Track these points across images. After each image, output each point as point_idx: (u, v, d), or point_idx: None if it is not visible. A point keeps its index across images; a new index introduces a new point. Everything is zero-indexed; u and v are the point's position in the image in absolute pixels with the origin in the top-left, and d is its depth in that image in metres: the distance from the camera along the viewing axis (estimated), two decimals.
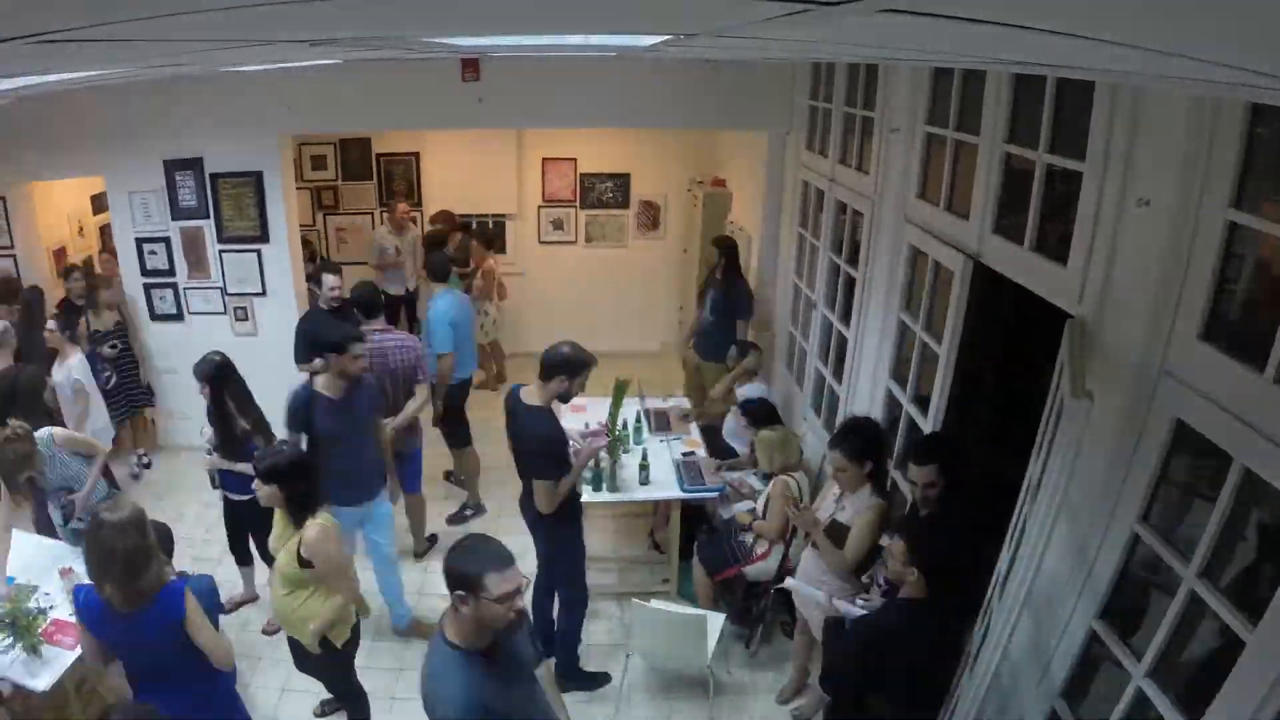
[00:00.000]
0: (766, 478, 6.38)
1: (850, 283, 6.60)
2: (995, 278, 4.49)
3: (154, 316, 8.70)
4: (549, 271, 10.77)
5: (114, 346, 8.09)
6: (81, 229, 10.39)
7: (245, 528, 6.37)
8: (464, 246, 10.30)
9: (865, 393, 6.22)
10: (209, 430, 6.06)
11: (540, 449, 5.34)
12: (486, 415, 10.20)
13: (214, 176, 8.26)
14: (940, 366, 5.01)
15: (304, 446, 5.48)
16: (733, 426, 7.40)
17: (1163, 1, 0.99)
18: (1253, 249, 2.88)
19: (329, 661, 4.95)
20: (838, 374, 6.88)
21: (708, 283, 8.71)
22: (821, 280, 7.26)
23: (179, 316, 8.73)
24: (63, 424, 6.59)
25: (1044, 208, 4.06)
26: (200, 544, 7.47)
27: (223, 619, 5.22)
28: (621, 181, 11.62)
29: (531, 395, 5.35)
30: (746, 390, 7.48)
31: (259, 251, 8.47)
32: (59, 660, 4.82)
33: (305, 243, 10.14)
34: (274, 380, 7.62)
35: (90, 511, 5.08)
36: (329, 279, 7.48)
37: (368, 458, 6.10)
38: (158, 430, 9.24)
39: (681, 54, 5.30)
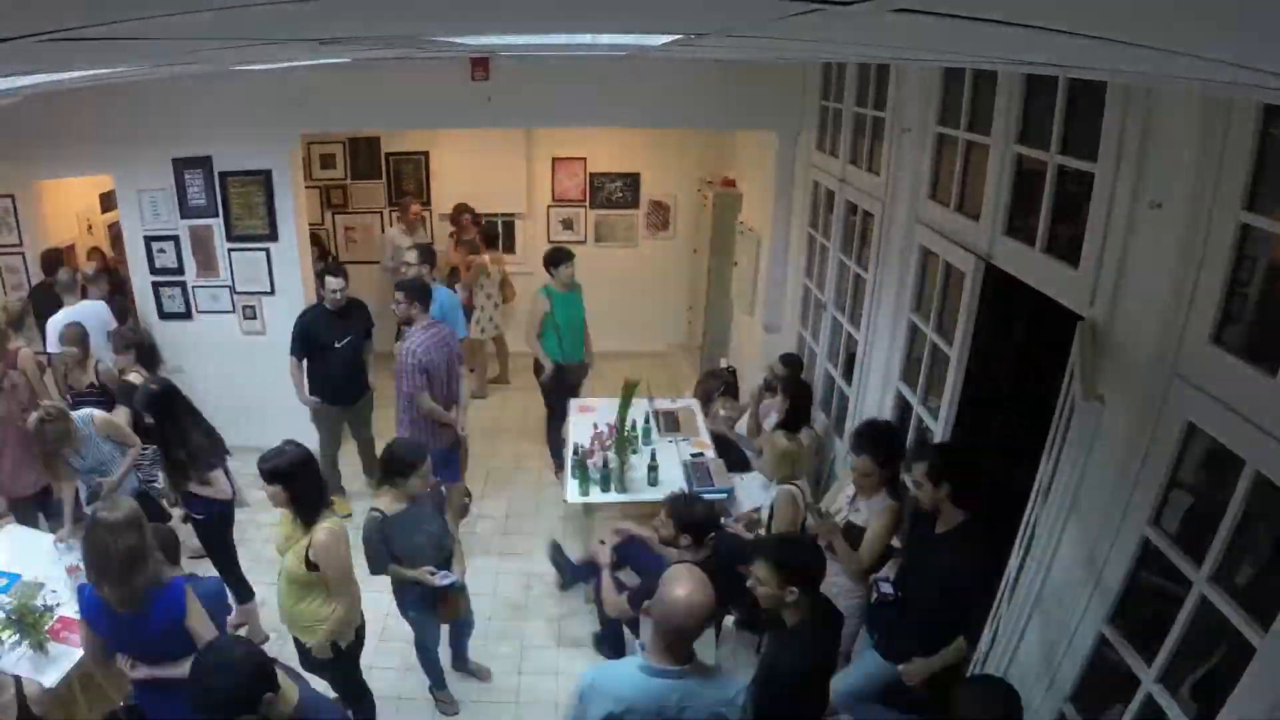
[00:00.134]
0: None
1: (860, 284, 6.58)
2: (1007, 280, 4.47)
3: (162, 315, 8.71)
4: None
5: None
6: (90, 227, 10.41)
7: (222, 544, 6.26)
8: (475, 240, 10.40)
9: (875, 395, 6.20)
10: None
11: None
12: (495, 415, 10.27)
13: (223, 175, 8.27)
14: (951, 368, 5.00)
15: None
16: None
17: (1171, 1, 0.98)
18: (1265, 251, 2.86)
19: (334, 663, 4.95)
20: (847, 376, 6.86)
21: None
22: (831, 281, 7.25)
23: (187, 315, 8.74)
24: None
25: (1055, 209, 4.04)
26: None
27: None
28: (631, 181, 11.61)
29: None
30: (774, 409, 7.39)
31: (267, 250, 8.47)
32: (65, 657, 4.83)
33: (315, 240, 10.15)
34: (281, 379, 7.66)
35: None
36: (332, 280, 7.50)
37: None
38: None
39: (692, 54, 5.29)
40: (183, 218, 8.44)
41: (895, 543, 5.24)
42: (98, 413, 6.00)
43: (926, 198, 5.48)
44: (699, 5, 1.76)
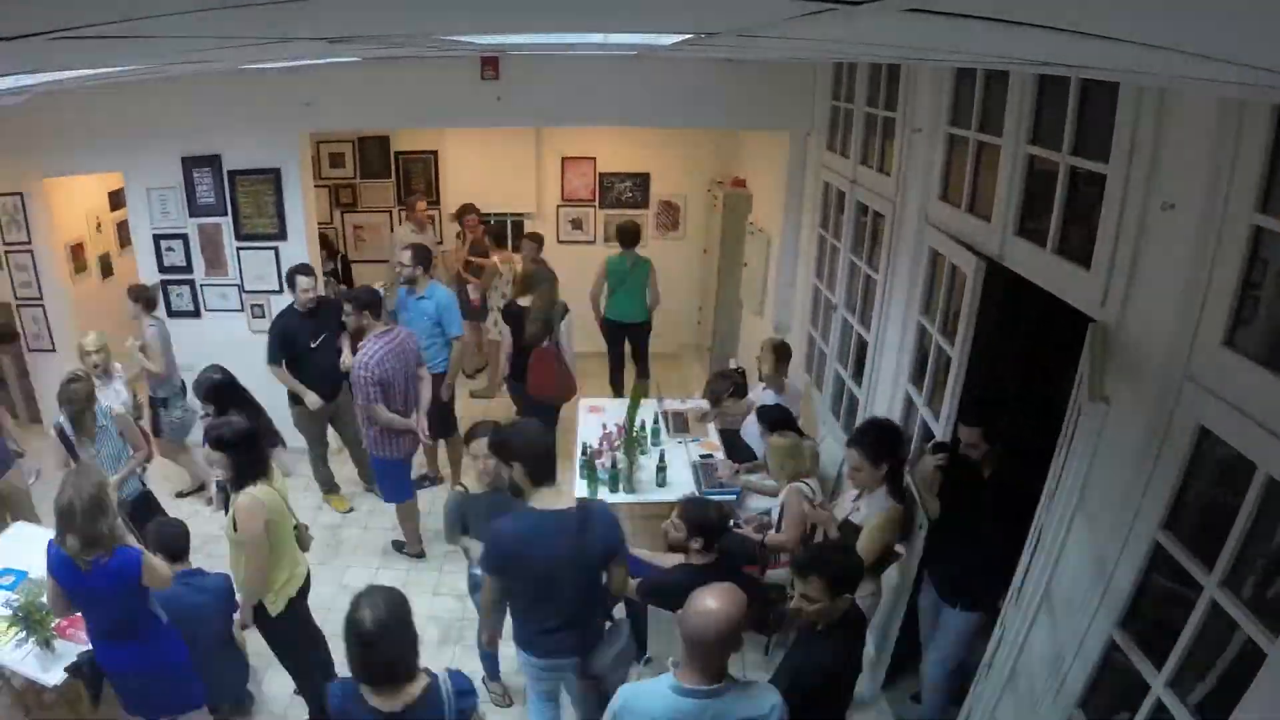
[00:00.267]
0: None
1: (871, 285, 6.57)
2: (1017, 281, 4.45)
3: (170, 313, 8.70)
4: (567, 271, 10.68)
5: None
6: (99, 225, 10.44)
7: None
8: (482, 240, 10.43)
9: (885, 396, 6.19)
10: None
11: None
12: (505, 415, 10.26)
13: (232, 174, 8.29)
14: (952, 370, 4.99)
15: None
16: (753, 428, 7.38)
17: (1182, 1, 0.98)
18: (1278, 253, 2.84)
19: (266, 629, 5.21)
20: (857, 377, 6.85)
21: None
22: (842, 282, 7.23)
23: (195, 313, 8.76)
24: None
25: (1067, 210, 4.01)
26: (218, 540, 7.47)
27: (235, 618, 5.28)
28: (641, 181, 11.61)
29: None
30: (764, 396, 7.43)
31: (276, 249, 8.49)
32: (72, 654, 4.85)
33: (324, 240, 10.17)
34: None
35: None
36: (303, 280, 7.53)
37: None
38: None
39: (702, 53, 5.28)
40: (191, 216, 8.46)
41: (899, 549, 5.27)
42: (117, 406, 6.12)
43: (937, 198, 5.46)
44: (710, 4, 1.75)
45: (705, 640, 3.30)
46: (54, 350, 9.14)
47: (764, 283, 9.32)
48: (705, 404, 8.20)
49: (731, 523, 6.64)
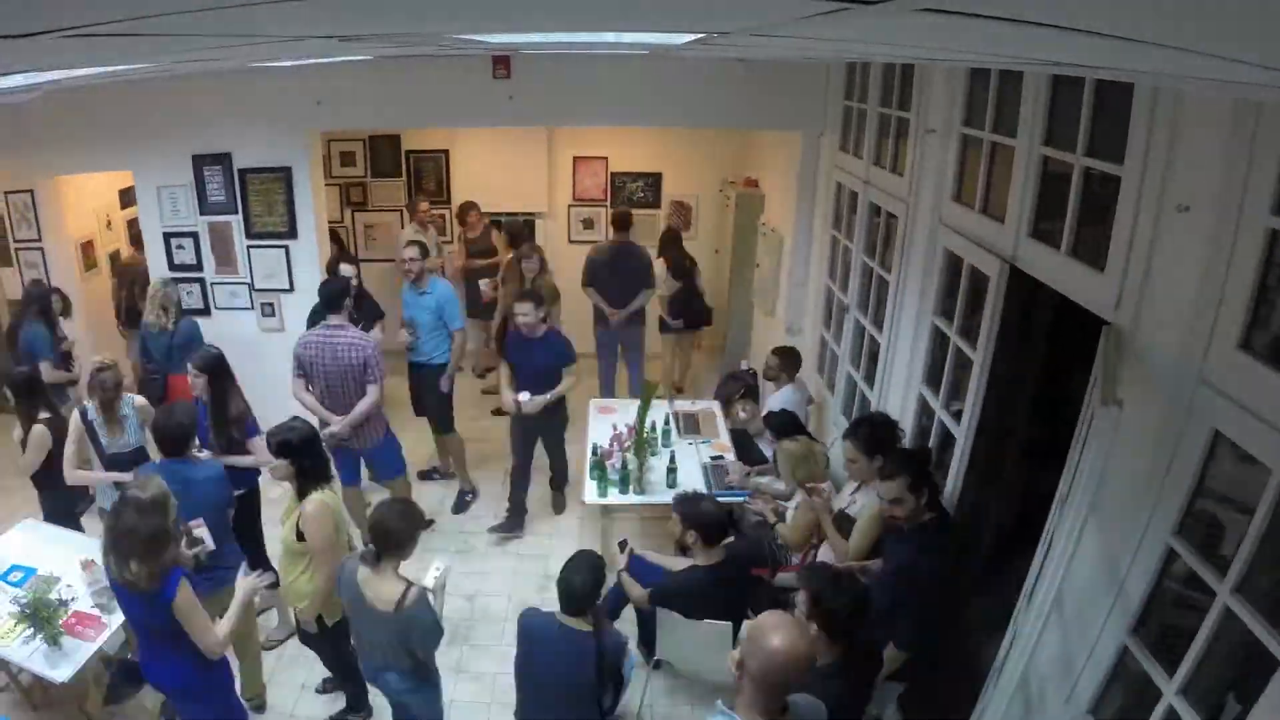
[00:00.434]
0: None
1: (883, 286, 6.54)
2: (1030, 282, 4.43)
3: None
4: (578, 271, 10.71)
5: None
6: (110, 223, 10.46)
7: (250, 523, 6.42)
8: (487, 238, 10.52)
9: (898, 398, 6.16)
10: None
11: None
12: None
13: (243, 172, 8.29)
14: (975, 373, 4.96)
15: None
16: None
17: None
18: None
19: (320, 637, 5.17)
20: (870, 379, 6.82)
21: None
22: (854, 283, 7.20)
23: (205, 311, 8.75)
24: None
25: (1081, 212, 3.99)
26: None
27: None
28: (653, 181, 11.59)
29: None
30: (775, 399, 7.42)
31: (287, 248, 8.49)
32: (79, 652, 4.88)
33: (335, 238, 10.17)
34: None
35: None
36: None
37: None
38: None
39: (715, 53, 5.27)
40: (202, 214, 8.46)
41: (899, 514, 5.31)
42: (139, 398, 6.18)
43: (951, 199, 5.43)
44: (724, 4, 1.74)
45: (774, 678, 3.09)
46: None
47: (776, 283, 9.30)
48: (715, 405, 8.19)
49: (736, 530, 6.66)
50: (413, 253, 7.87)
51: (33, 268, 8.94)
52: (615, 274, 9.45)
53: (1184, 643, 3.11)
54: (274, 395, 7.07)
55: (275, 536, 6.61)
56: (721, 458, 7.15)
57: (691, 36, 2.83)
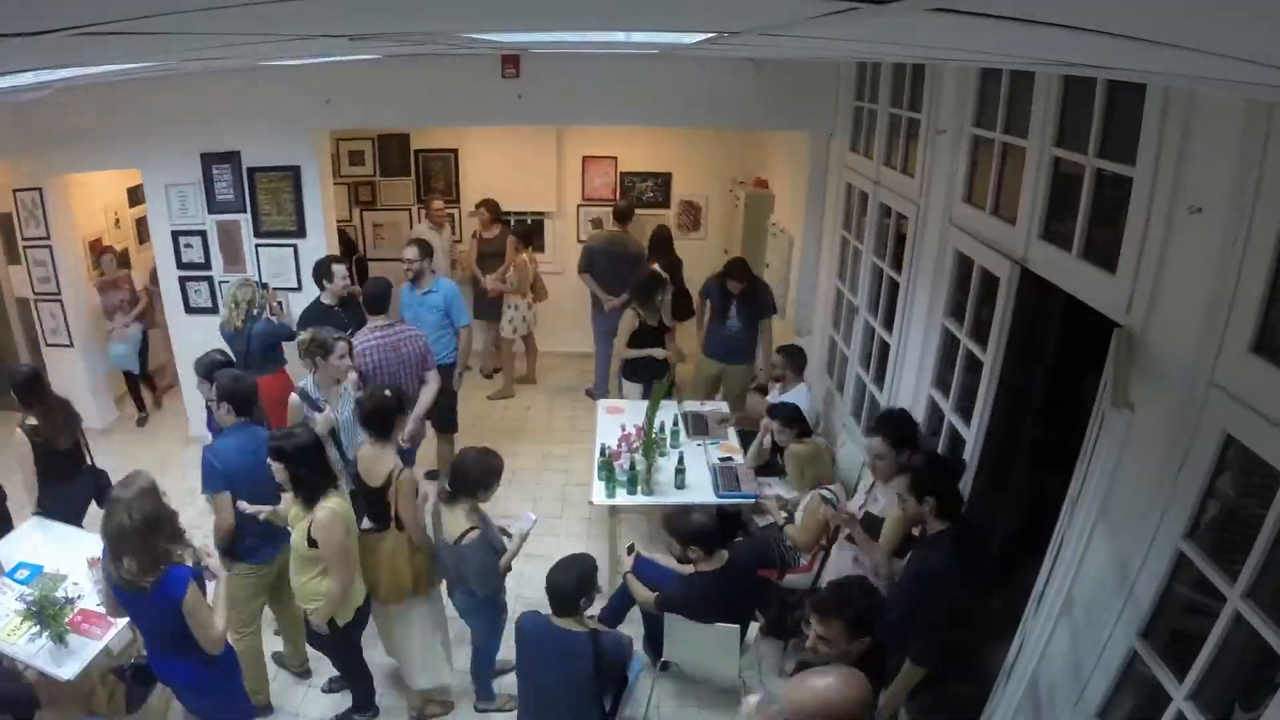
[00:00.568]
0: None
1: (893, 287, 6.53)
2: (1040, 284, 4.42)
3: (188, 309, 8.77)
4: None
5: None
6: (118, 221, 10.44)
7: None
8: (500, 240, 10.41)
9: (907, 400, 6.14)
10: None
11: None
12: (521, 415, 10.27)
13: (251, 170, 8.32)
14: (985, 375, 4.94)
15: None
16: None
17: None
18: None
19: (331, 639, 5.18)
20: (879, 380, 6.81)
21: (712, 292, 8.61)
22: (864, 284, 7.19)
23: (213, 310, 8.74)
24: None
25: (1093, 213, 3.97)
26: None
27: None
28: (662, 181, 11.56)
29: None
30: (789, 395, 7.39)
31: (295, 246, 8.51)
32: (85, 650, 4.89)
33: (346, 237, 10.17)
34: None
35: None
36: (338, 268, 7.59)
37: None
38: (188, 424, 9.24)
39: (725, 53, 5.26)
40: (210, 213, 8.50)
41: (915, 530, 5.24)
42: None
43: (961, 200, 5.42)
44: (734, 4, 1.74)
45: None
46: (71, 345, 9.21)
47: (786, 284, 9.29)
48: (724, 407, 8.18)
49: (744, 531, 6.66)
50: (412, 253, 7.85)
51: (41, 266, 8.94)
52: (610, 261, 9.57)
53: (1194, 648, 3.09)
54: None
55: None
56: (730, 459, 7.12)
57: (702, 36, 2.83)
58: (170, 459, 8.67)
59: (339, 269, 7.53)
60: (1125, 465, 3.60)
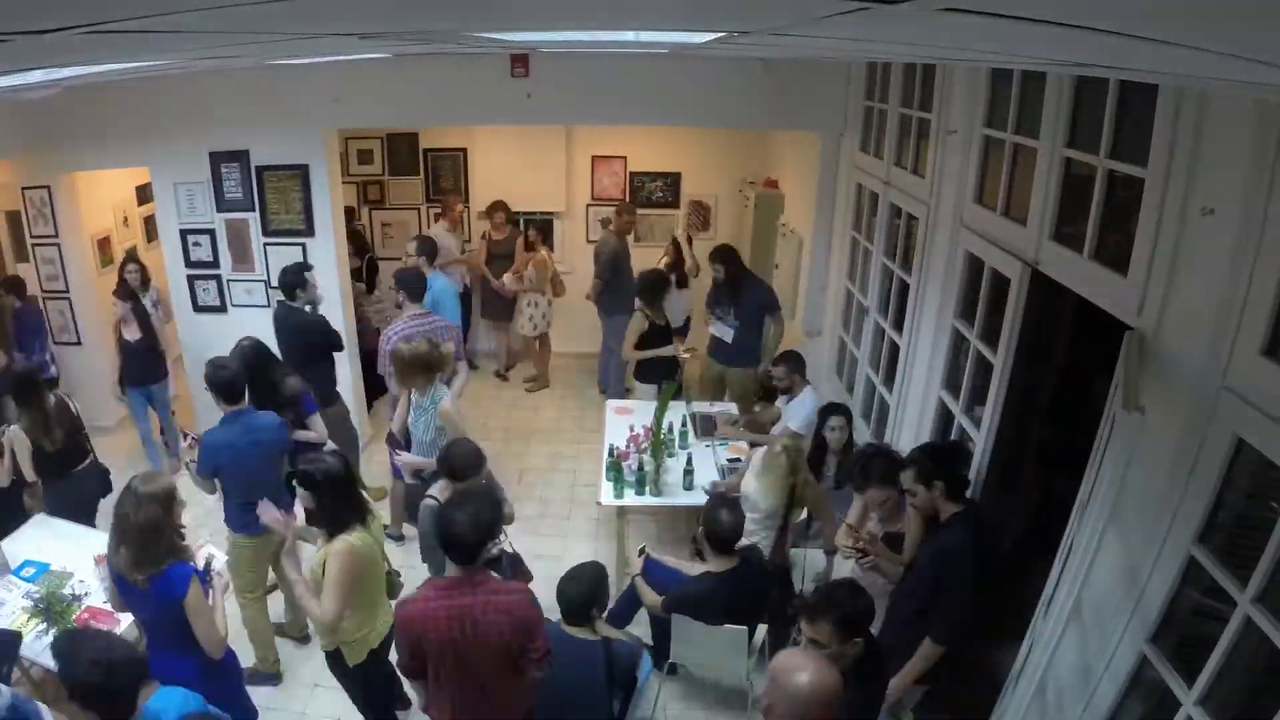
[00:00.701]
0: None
1: (904, 288, 6.51)
2: (1051, 286, 4.40)
3: (196, 308, 8.76)
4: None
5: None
6: (126, 219, 10.45)
7: None
8: (510, 241, 10.48)
9: (916, 402, 6.12)
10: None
11: None
12: (529, 416, 10.26)
13: (260, 169, 8.31)
14: (995, 377, 4.92)
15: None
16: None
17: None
18: None
19: (345, 679, 4.98)
20: (889, 382, 6.79)
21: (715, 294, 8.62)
22: (874, 285, 7.17)
23: (222, 308, 8.79)
24: None
25: (1104, 215, 3.95)
26: None
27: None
28: (672, 181, 11.54)
29: None
30: (797, 408, 7.32)
31: (304, 245, 8.49)
32: None
33: (356, 234, 10.17)
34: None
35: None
36: (313, 275, 7.63)
37: None
38: (196, 423, 9.21)
39: (734, 53, 5.25)
40: (219, 211, 8.48)
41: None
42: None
43: (972, 201, 5.40)
44: (745, 3, 1.73)
45: (802, 714, 3.03)
46: (80, 344, 9.24)
47: (795, 285, 9.27)
48: (733, 408, 8.17)
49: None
50: (411, 247, 8.05)
51: (49, 263, 8.95)
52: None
53: (1204, 652, 3.08)
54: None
55: None
56: (739, 460, 7.10)
57: (711, 35, 2.82)
58: None
59: (312, 275, 7.54)
60: (1136, 468, 3.58)
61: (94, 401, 8.51)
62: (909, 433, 6.05)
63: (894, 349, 6.68)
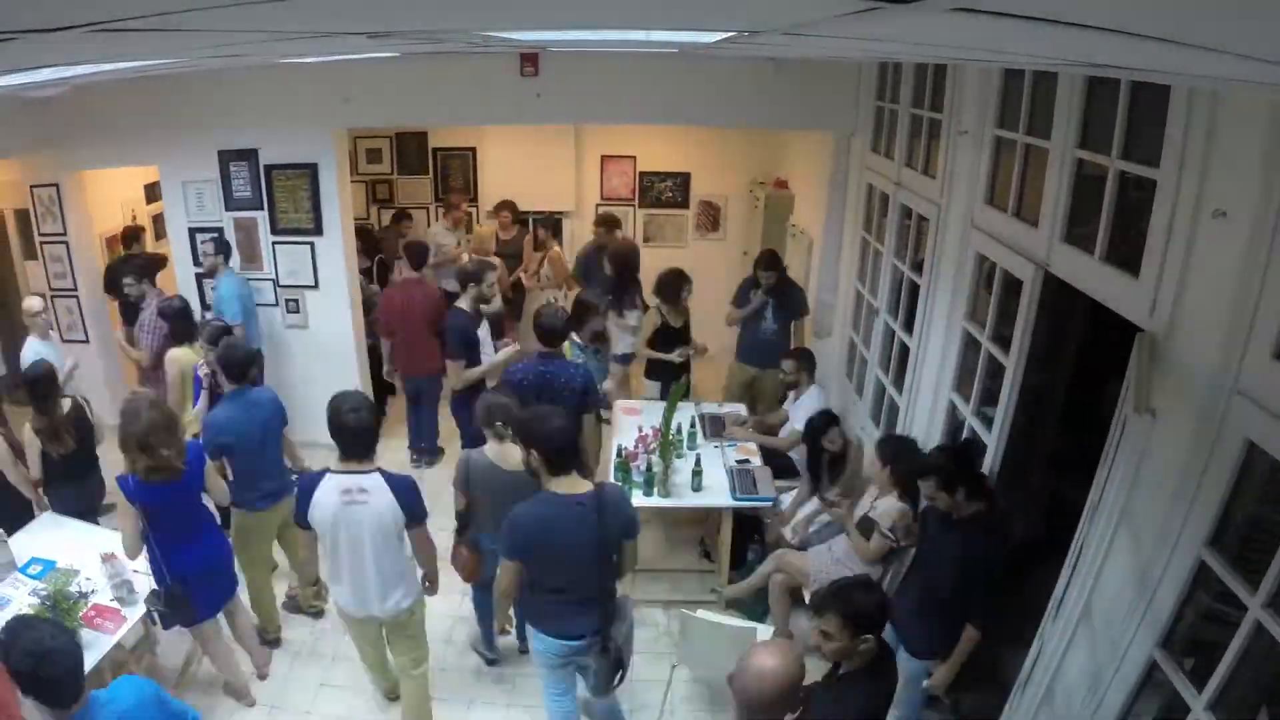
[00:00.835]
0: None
1: (914, 289, 6.48)
2: (1061, 287, 4.38)
3: (204, 307, 8.74)
4: None
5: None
6: (135, 217, 10.44)
7: None
8: (517, 241, 10.49)
9: (926, 404, 6.10)
10: None
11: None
12: None
13: (269, 168, 8.31)
14: (1007, 379, 4.90)
15: None
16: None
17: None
18: None
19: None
20: (898, 383, 6.76)
21: (747, 292, 8.59)
22: (884, 286, 7.15)
23: None
24: None
25: (1116, 216, 3.93)
26: None
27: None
28: (681, 181, 11.53)
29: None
30: (802, 406, 7.32)
31: (312, 244, 8.49)
32: (98, 644, 4.90)
33: (369, 234, 10.16)
34: (322, 372, 7.69)
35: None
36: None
37: None
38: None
39: (745, 52, 5.24)
40: (227, 210, 8.50)
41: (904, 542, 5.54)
42: None
43: (984, 202, 5.37)
44: (755, 3, 1.72)
45: (756, 700, 3.15)
46: (87, 341, 9.23)
47: (805, 285, 9.24)
48: (741, 408, 8.15)
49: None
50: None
51: (57, 261, 8.96)
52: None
53: (1214, 657, 3.06)
54: (299, 391, 7.07)
55: None
56: (747, 461, 7.09)
57: (721, 35, 2.81)
58: None
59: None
60: (1146, 471, 3.56)
61: (100, 401, 8.50)
62: (919, 435, 6.02)
63: (904, 350, 6.65)
